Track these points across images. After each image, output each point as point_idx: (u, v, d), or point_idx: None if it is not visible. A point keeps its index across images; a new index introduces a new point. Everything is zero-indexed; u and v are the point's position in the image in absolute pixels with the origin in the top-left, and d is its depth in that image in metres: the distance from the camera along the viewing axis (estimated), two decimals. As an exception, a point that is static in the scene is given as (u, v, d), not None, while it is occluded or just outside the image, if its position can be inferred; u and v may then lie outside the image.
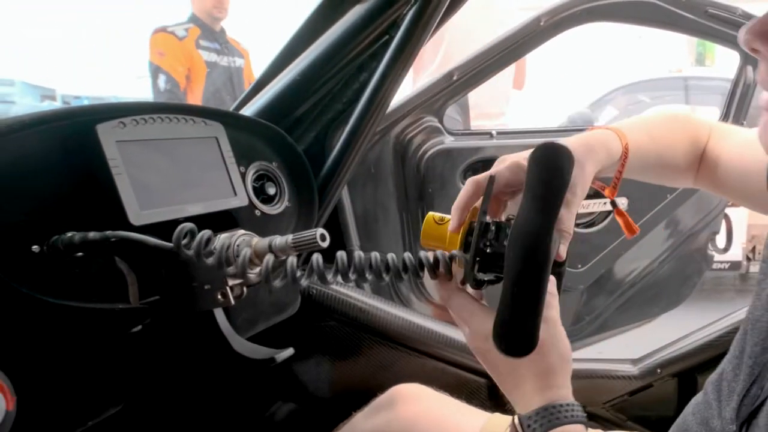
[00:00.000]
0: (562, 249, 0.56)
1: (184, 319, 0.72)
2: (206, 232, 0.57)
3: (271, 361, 0.75)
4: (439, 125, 1.18)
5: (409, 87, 1.44)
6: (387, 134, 1.17)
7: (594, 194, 1.53)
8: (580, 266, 1.48)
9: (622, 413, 1.11)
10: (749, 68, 1.56)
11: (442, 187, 1.25)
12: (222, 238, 0.64)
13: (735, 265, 3.31)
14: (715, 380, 0.62)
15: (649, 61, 5.39)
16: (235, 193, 0.72)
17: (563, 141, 0.59)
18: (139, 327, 0.67)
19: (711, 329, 1.05)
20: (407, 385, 0.87)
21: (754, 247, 3.25)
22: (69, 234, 0.55)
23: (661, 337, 1.22)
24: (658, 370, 1.10)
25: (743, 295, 3.51)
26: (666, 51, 6.00)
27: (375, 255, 0.54)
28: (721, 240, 1.71)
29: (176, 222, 0.65)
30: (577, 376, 1.12)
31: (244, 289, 0.68)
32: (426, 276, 0.55)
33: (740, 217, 2.79)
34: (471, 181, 0.58)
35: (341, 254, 0.53)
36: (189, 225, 0.57)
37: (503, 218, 0.61)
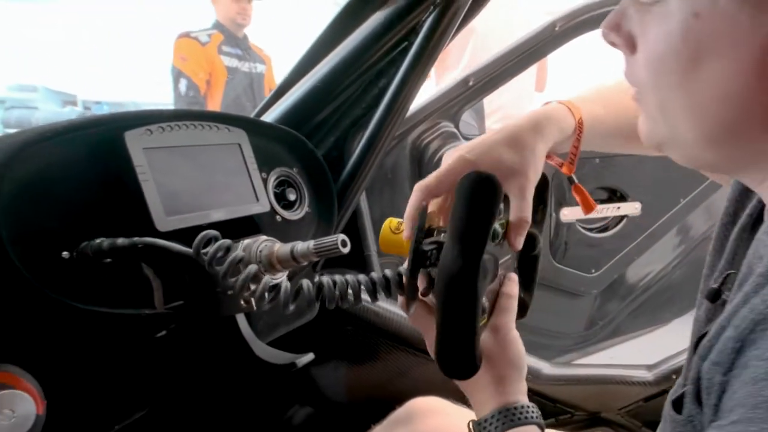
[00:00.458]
0: (520, 241, 0.54)
1: (207, 324, 0.72)
2: (225, 242, 0.57)
3: (292, 366, 0.74)
4: (455, 130, 1.17)
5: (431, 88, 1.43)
6: (404, 139, 1.16)
7: (607, 199, 1.51)
8: (593, 271, 1.47)
9: (636, 419, 1.10)
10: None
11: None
12: (245, 244, 0.63)
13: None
14: None
15: None
16: (257, 199, 0.72)
17: (511, 126, 0.58)
18: (164, 332, 0.67)
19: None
20: (425, 398, 0.86)
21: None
22: (98, 240, 0.55)
23: (672, 342, 1.20)
24: (673, 376, 1.08)
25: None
26: None
27: (339, 279, 0.55)
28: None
29: (200, 228, 0.65)
30: (592, 382, 1.11)
31: (266, 294, 0.67)
32: None
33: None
34: (418, 187, 0.56)
35: (306, 283, 0.55)
36: (211, 233, 0.57)
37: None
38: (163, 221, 0.60)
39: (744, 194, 0.53)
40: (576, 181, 0.68)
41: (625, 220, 1.49)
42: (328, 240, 0.60)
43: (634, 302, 1.62)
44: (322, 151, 0.91)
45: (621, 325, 1.62)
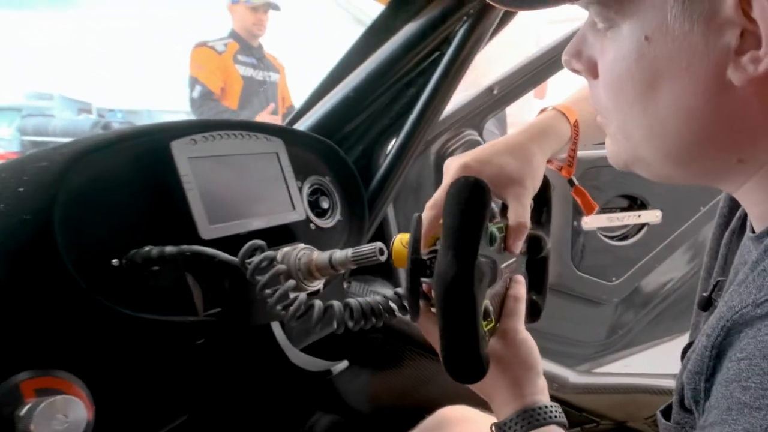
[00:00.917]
0: (518, 244, 0.55)
1: (243, 331, 0.72)
2: (270, 254, 0.58)
3: (327, 374, 0.75)
4: (479, 138, 1.17)
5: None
6: (428, 148, 1.16)
7: (627, 207, 1.51)
8: (614, 279, 1.46)
9: (664, 429, 1.08)
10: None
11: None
12: (284, 252, 0.64)
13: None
14: None
15: None
16: (294, 208, 0.73)
17: (512, 136, 0.60)
18: (203, 339, 0.67)
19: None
20: (454, 407, 0.86)
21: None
22: (146, 248, 0.56)
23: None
24: (702, 386, 1.06)
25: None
26: None
27: (363, 302, 0.57)
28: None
29: (240, 236, 0.66)
30: (618, 391, 1.10)
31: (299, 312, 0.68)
32: None
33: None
34: (428, 205, 0.57)
35: (337, 305, 0.57)
36: (257, 243, 0.57)
37: None
38: (207, 229, 0.61)
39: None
40: (576, 183, 0.69)
41: (645, 228, 1.48)
42: (366, 248, 0.61)
43: (654, 310, 1.61)
44: (350, 160, 0.92)
45: (640, 333, 1.60)
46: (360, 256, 0.61)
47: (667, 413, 0.49)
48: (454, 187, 0.47)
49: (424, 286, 0.52)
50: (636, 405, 1.08)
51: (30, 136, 6.44)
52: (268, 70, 2.88)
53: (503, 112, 1.45)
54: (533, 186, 0.58)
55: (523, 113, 2.03)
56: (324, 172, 0.80)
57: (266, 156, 0.70)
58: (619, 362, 1.54)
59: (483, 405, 0.90)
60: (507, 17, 0.82)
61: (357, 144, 0.93)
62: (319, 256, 0.63)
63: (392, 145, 0.92)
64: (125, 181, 0.56)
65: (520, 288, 0.56)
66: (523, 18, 2.06)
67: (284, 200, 0.72)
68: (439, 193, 0.57)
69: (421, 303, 0.52)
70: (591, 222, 1.39)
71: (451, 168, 0.58)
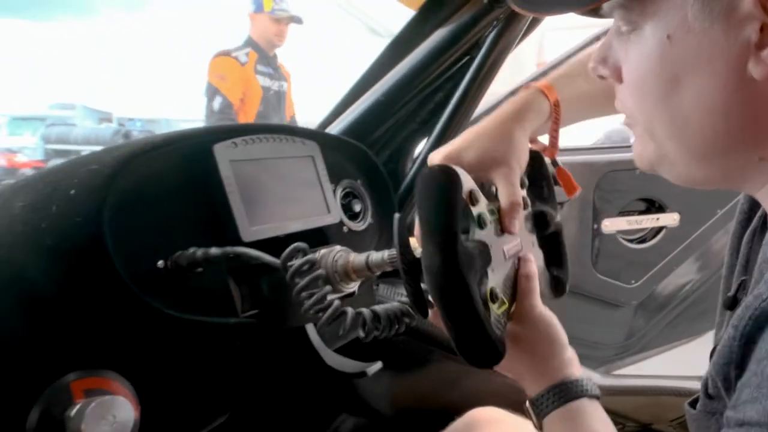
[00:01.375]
0: (514, 223, 0.54)
1: (278, 332, 0.71)
2: (312, 258, 0.57)
3: (362, 375, 0.73)
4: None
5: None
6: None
7: (646, 210, 1.49)
8: (633, 282, 1.43)
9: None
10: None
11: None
12: (321, 254, 0.63)
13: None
14: None
15: None
16: (329, 211, 0.72)
17: (491, 117, 0.58)
18: (242, 340, 0.67)
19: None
20: (485, 408, 0.84)
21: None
22: (191, 250, 0.55)
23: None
24: (728, 388, 1.04)
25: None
26: None
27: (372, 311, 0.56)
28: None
29: (278, 239, 0.65)
30: (644, 393, 1.08)
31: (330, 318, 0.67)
32: None
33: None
34: None
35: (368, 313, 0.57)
36: (300, 245, 0.57)
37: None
38: (248, 231, 0.60)
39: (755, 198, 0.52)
40: (560, 163, 0.67)
41: (663, 231, 1.46)
42: None
43: (671, 313, 1.59)
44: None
45: (658, 336, 1.58)
46: (397, 258, 0.60)
47: (694, 404, 0.48)
48: (420, 180, 0.46)
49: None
50: (661, 407, 1.06)
51: (53, 144, 6.54)
52: (281, 79, 2.86)
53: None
54: (519, 164, 0.57)
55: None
56: (356, 176, 0.80)
57: (303, 159, 0.69)
58: (637, 365, 1.52)
59: (513, 407, 0.89)
60: (535, 21, 0.82)
61: (385, 148, 0.92)
62: (356, 258, 0.63)
63: (421, 149, 0.91)
64: (170, 183, 0.56)
65: (530, 266, 0.55)
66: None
67: (320, 203, 0.71)
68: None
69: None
70: (610, 225, 1.37)
71: (435, 161, 0.57)
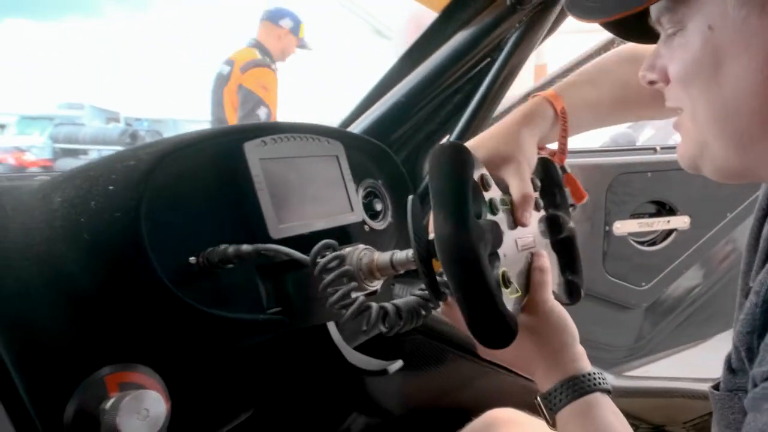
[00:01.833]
0: (527, 215, 0.55)
1: (302, 330, 0.71)
2: (340, 254, 0.57)
3: (383, 373, 0.74)
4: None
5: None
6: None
7: (656, 213, 1.49)
8: (643, 284, 1.43)
9: (702, 433, 1.06)
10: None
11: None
12: (346, 252, 0.63)
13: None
14: None
15: None
16: (352, 209, 0.72)
17: (502, 122, 0.60)
18: (267, 336, 0.67)
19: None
20: (502, 409, 0.84)
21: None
22: (223, 246, 0.55)
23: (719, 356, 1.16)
24: (740, 390, 1.04)
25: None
26: None
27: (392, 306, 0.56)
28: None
29: (303, 236, 0.65)
30: (657, 395, 1.08)
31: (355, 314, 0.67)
32: None
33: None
34: None
35: (391, 308, 0.56)
36: (330, 242, 0.57)
37: None
38: (276, 229, 0.61)
39: None
40: (568, 170, 0.68)
41: (674, 234, 1.46)
42: None
43: (681, 316, 1.58)
44: (399, 164, 0.91)
45: (667, 339, 1.57)
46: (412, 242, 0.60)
47: (717, 388, 0.50)
48: (432, 155, 0.46)
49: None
50: (674, 409, 1.05)
51: (61, 143, 6.56)
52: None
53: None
54: (528, 162, 0.59)
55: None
56: (377, 175, 0.80)
57: (328, 158, 0.69)
58: (646, 367, 1.51)
59: (528, 407, 0.89)
60: (557, 23, 0.82)
61: (403, 148, 0.92)
62: (381, 256, 0.63)
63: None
64: (202, 180, 0.56)
65: (544, 260, 0.55)
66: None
67: (343, 202, 0.71)
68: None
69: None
70: (621, 227, 1.37)
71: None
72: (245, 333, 0.62)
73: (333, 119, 0.94)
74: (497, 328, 0.45)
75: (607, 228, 1.35)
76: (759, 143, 0.41)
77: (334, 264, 0.57)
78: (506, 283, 0.49)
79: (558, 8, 0.79)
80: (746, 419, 0.39)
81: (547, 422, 0.51)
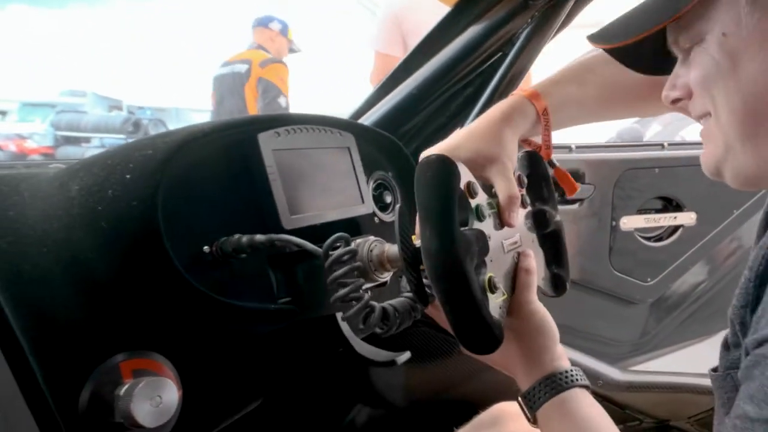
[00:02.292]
0: (514, 216, 0.56)
1: (310, 321, 0.72)
2: (352, 249, 0.58)
3: (391, 364, 0.74)
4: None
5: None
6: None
7: (663, 209, 1.49)
8: (649, 279, 1.44)
9: (706, 429, 1.07)
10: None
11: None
12: (356, 243, 0.64)
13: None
14: None
15: None
16: (363, 201, 0.73)
17: (482, 119, 0.61)
18: (277, 326, 0.67)
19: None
20: (510, 403, 0.85)
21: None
22: (236, 236, 0.56)
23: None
24: (746, 386, 1.04)
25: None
26: None
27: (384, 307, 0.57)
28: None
29: (315, 227, 0.66)
30: (662, 389, 1.09)
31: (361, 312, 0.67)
32: None
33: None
34: None
35: (391, 308, 0.57)
36: (343, 235, 0.58)
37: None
38: (288, 219, 0.61)
39: None
40: (557, 164, 0.70)
41: (680, 230, 1.46)
42: None
43: (686, 312, 1.59)
44: (407, 157, 0.91)
45: (672, 334, 1.58)
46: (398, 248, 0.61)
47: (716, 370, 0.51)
48: (418, 169, 0.48)
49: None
50: (679, 404, 1.06)
51: (63, 131, 6.54)
52: None
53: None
54: (511, 161, 0.59)
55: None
56: (387, 168, 0.80)
57: (340, 150, 0.70)
58: (651, 362, 1.52)
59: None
60: (568, 20, 0.82)
61: (412, 141, 0.93)
62: (391, 248, 0.63)
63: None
64: (217, 170, 0.57)
65: (530, 261, 0.57)
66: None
67: (354, 193, 0.72)
68: None
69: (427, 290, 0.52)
70: (628, 222, 1.37)
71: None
72: (256, 322, 0.63)
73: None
74: (482, 336, 0.47)
75: (614, 223, 1.35)
76: None
77: (345, 258, 0.58)
78: (492, 288, 0.51)
79: (570, 4, 0.79)
80: (739, 392, 0.40)
81: (529, 420, 0.53)
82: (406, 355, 0.75)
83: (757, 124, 0.43)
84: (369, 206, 0.73)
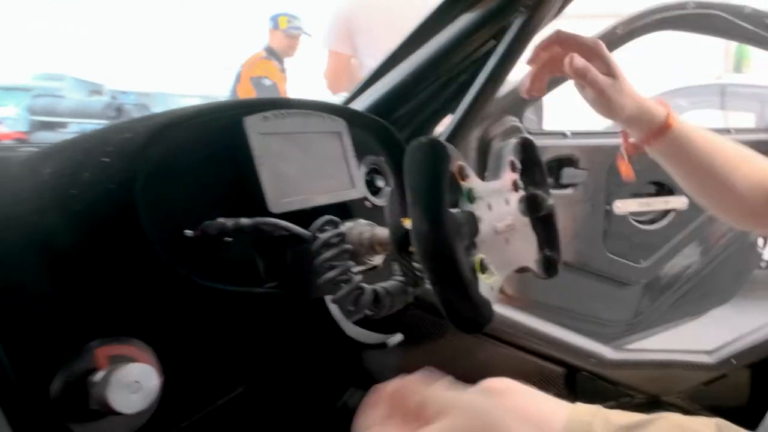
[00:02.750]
0: None
1: (299, 304, 0.72)
2: (341, 231, 0.58)
3: (382, 346, 0.74)
4: (519, 125, 1.17)
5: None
6: (469, 134, 1.16)
7: (656, 193, 1.50)
8: (642, 261, 1.46)
9: (696, 403, 1.09)
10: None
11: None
12: (347, 227, 0.63)
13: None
14: None
15: (689, 68, 5.29)
16: (354, 185, 0.72)
17: None
18: (264, 310, 0.67)
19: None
20: (500, 379, 0.85)
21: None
22: (221, 220, 0.55)
23: (714, 331, 1.20)
24: (733, 361, 1.07)
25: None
26: (705, 58, 5.87)
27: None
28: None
29: (304, 211, 0.65)
30: (653, 366, 1.11)
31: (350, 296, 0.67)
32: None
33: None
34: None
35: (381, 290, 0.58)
36: (331, 217, 0.57)
37: None
38: (276, 203, 0.61)
39: None
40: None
41: (672, 213, 1.48)
42: None
43: (677, 292, 1.62)
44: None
45: (664, 315, 1.61)
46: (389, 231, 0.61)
47: None
48: (408, 151, 0.48)
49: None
50: (669, 379, 1.09)
51: (39, 116, 6.33)
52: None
53: (541, 100, 1.45)
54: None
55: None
56: (379, 152, 0.80)
57: (330, 135, 0.69)
58: (643, 341, 1.55)
59: (526, 379, 0.91)
60: (562, 9, 0.81)
61: (406, 127, 0.92)
62: (381, 231, 0.63)
63: (443, 130, 0.91)
64: (201, 154, 0.56)
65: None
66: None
67: (345, 178, 0.71)
68: None
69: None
70: (622, 206, 1.39)
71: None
72: (242, 306, 0.62)
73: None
74: (471, 315, 0.48)
75: (608, 207, 1.37)
76: None
77: (334, 240, 0.57)
78: (483, 269, 0.51)
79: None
80: None
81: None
82: (398, 338, 0.76)
83: None
84: (360, 190, 0.73)
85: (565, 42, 0.67)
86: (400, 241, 0.51)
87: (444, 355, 1.07)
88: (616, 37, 1.20)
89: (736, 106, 3.75)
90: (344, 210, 0.72)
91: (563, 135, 1.29)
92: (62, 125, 6.16)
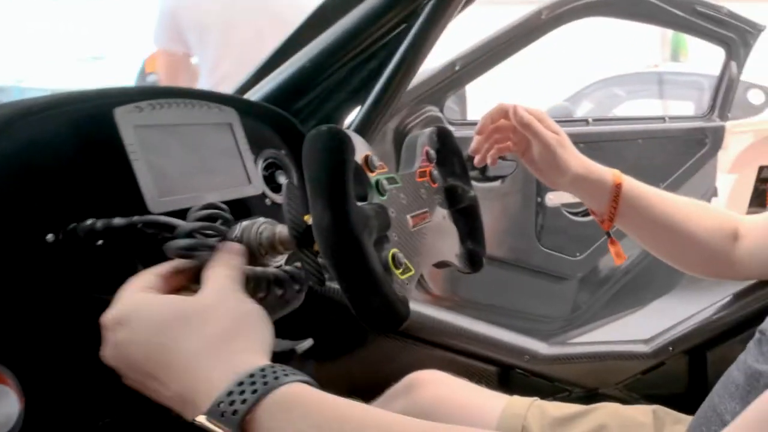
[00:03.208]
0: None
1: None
2: (216, 213, 0.55)
3: (291, 353, 0.72)
4: (440, 115, 1.17)
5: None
6: (385, 125, 1.15)
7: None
8: (578, 254, 1.49)
9: (634, 392, 1.11)
10: (733, 64, 1.60)
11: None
12: (243, 226, 0.61)
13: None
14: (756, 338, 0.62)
15: (625, 57, 5.45)
16: (250, 181, 0.70)
17: None
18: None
19: (717, 307, 1.06)
20: (425, 371, 0.85)
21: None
22: (89, 221, 0.52)
23: (657, 321, 1.23)
24: (671, 348, 1.10)
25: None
26: (641, 46, 6.08)
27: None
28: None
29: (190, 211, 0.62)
30: (589, 359, 1.12)
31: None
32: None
33: (720, 204, 2.84)
34: None
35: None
36: (213, 203, 0.55)
37: None
38: (156, 202, 0.58)
39: None
40: (611, 236, 0.84)
41: (606, 204, 1.51)
42: None
43: (616, 285, 1.66)
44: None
45: (603, 307, 1.65)
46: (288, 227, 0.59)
47: None
48: (307, 140, 0.46)
49: None
50: (607, 371, 1.11)
51: None
52: None
53: (463, 89, 1.46)
54: None
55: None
56: (279, 146, 0.78)
57: (219, 126, 0.67)
58: (583, 336, 1.58)
59: (453, 371, 0.90)
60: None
61: (310, 118, 0.90)
62: (283, 229, 0.61)
63: (352, 120, 0.90)
64: (63, 150, 0.53)
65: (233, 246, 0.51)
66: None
67: (239, 174, 0.69)
68: None
69: None
70: (555, 198, 1.41)
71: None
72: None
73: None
74: (384, 313, 0.46)
75: (539, 199, 1.38)
76: None
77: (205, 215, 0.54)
78: (397, 264, 0.49)
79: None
80: None
81: None
82: (307, 343, 0.74)
83: None
84: (258, 187, 0.71)
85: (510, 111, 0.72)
86: (301, 237, 0.49)
87: (366, 360, 1.05)
88: (541, 22, 1.21)
89: (675, 94, 3.88)
90: (241, 208, 0.70)
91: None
92: None
